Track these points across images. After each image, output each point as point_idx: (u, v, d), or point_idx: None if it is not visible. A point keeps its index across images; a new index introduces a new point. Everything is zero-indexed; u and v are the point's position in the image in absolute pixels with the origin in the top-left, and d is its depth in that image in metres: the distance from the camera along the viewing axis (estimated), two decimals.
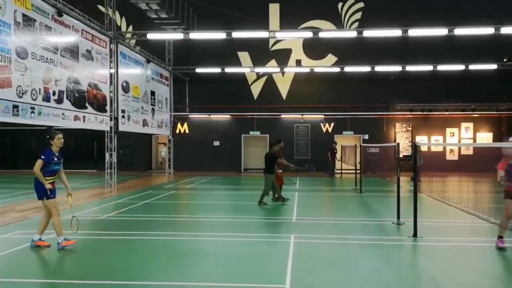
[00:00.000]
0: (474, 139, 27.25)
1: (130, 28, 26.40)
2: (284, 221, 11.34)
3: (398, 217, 10.26)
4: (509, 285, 6.28)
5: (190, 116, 28.81)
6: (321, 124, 27.93)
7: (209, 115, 28.70)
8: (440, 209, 12.41)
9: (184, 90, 28.58)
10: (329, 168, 24.21)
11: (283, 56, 27.71)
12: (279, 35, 25.42)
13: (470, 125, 27.47)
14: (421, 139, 26.84)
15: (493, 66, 24.76)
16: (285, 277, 6.36)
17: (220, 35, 20.05)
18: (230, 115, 28.48)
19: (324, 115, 27.66)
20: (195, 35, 20.70)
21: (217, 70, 26.77)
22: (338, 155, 24.58)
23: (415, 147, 9.64)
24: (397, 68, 25.12)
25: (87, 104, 16.35)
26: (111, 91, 18.46)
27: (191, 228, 10.35)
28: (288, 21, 26.36)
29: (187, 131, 28.79)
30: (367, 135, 27.24)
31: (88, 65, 16.58)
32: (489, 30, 18.43)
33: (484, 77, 25.62)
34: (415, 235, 8.87)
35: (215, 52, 26.82)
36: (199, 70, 26.98)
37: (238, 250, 8.08)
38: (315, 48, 27.14)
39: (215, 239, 9.06)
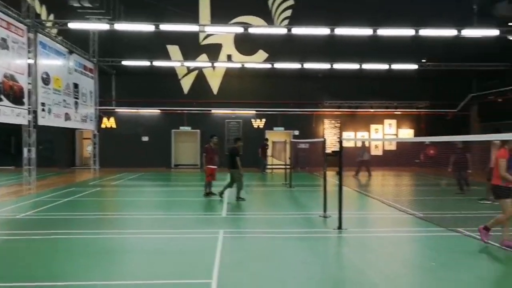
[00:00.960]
0: (397, 135, 28.58)
1: (51, 17, 24.98)
2: (213, 216, 11.24)
3: (325, 210, 10.48)
4: (427, 272, 6.58)
5: (117, 110, 27.83)
6: (253, 120, 28.04)
7: (138, 109, 27.87)
8: (365, 202, 12.88)
9: (110, 83, 27.54)
10: (259, 164, 24.42)
11: (214, 51, 27.49)
12: (210, 29, 25.16)
13: (393, 122, 28.77)
14: (348, 135, 27.74)
15: (414, 66, 26.07)
16: (212, 272, 6.26)
17: (148, 27, 19.49)
18: (160, 109, 27.84)
19: (256, 111, 27.81)
20: (121, 26, 19.96)
21: (146, 63, 26.02)
22: (269, 151, 24.84)
23: (340, 143, 9.94)
24: (326, 65, 25.76)
25: (2, 96, 15.24)
26: (29, 83, 17.33)
27: (117, 225, 9.95)
28: (219, 16, 26.19)
29: (114, 126, 27.78)
30: (297, 131, 27.74)
31: (4, 54, 15.45)
32: (409, 32, 19.33)
33: (406, 77, 26.92)
34: (340, 227, 9.10)
35: (144, 45, 26.05)
36: (126, 62, 26.08)
37: (165, 247, 7.88)
38: (246, 44, 27.18)
39: (142, 236, 8.78)
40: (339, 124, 28.21)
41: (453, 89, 27.18)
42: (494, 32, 19.03)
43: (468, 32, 18.83)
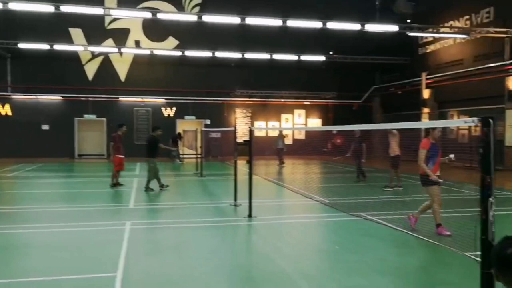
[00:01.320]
0: (306, 125, 29.46)
1: None
2: (120, 208, 10.83)
3: (236, 199, 10.48)
4: (332, 256, 6.79)
5: (12, 96, 25.72)
6: (163, 109, 27.36)
7: (36, 96, 25.95)
8: (274, 190, 13.10)
9: (5, 67, 25.36)
10: (170, 154, 23.81)
11: (121, 36, 26.31)
12: (116, 13, 24.04)
13: (303, 111, 29.61)
14: (259, 124, 28.07)
15: (322, 58, 26.95)
16: (118, 265, 5.96)
17: (48, 7, 18.09)
18: (61, 96, 26.16)
19: (166, 99, 27.14)
20: (17, 6, 18.33)
21: (45, 46, 24.15)
22: (182, 142, 24.39)
23: (250, 132, 10.03)
24: (237, 54, 25.75)
25: None
26: None
27: (15, 220, 9.18)
28: None
29: (9, 114, 25.65)
30: (209, 120, 27.52)
31: None
32: (317, 24, 19.85)
33: (315, 68, 27.77)
34: (250, 215, 9.14)
35: (43, 27, 24.19)
36: (23, 45, 24.04)
37: (67, 241, 7.39)
38: (155, 30, 26.32)
39: (43, 230, 8.16)
40: (250, 114, 28.45)
41: (358, 81, 28.51)
42: (394, 28, 20.14)
43: (371, 27, 19.74)
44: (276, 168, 20.89)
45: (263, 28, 21.83)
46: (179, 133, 25.04)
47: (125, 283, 5.34)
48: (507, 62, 18.91)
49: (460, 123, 3.25)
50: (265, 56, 25.97)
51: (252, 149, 9.80)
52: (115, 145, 13.60)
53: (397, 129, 12.76)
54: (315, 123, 29.40)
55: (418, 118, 22.79)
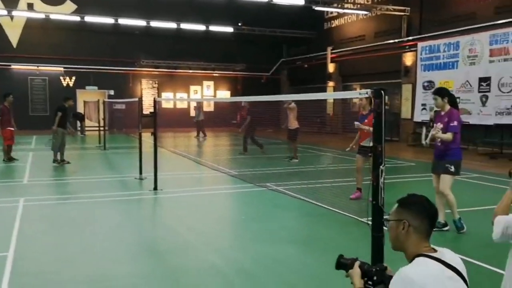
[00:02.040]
0: (215, 97, 29.24)
1: None
2: (13, 184, 10.07)
3: (141, 172, 10.16)
4: (238, 225, 6.85)
5: None
6: (61, 78, 25.59)
7: None
8: (181, 163, 12.90)
9: None
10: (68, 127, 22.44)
11: None
12: None
13: (211, 83, 29.32)
14: (166, 95, 27.38)
15: (230, 29, 26.70)
16: (9, 244, 5.52)
17: None
18: None
19: (64, 67, 25.36)
20: None
21: None
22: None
23: (155, 103, 9.76)
24: (142, 22, 24.64)
25: None
26: None
27: None
28: None
29: None
30: (113, 91, 26.25)
31: None
32: None
33: (223, 39, 27.45)
34: (156, 188, 8.92)
35: None
36: None
37: None
38: None
39: None
40: (157, 85, 27.61)
41: (266, 54, 28.70)
42: (300, 1, 20.40)
43: (278, 0, 19.87)
44: (191, 141, 20.64)
45: None
46: (82, 114, 23.69)
47: (17, 262, 4.97)
48: (404, 39, 20.05)
49: (355, 95, 3.31)
50: (171, 25, 25.15)
51: (158, 120, 9.54)
52: (5, 118, 12.49)
53: (296, 102, 13.03)
54: (224, 95, 29.31)
55: (323, 91, 23.61)
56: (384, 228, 2.25)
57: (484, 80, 16.20)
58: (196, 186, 9.82)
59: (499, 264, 2.68)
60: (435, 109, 19.14)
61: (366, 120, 7.83)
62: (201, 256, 5.36)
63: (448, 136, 5.99)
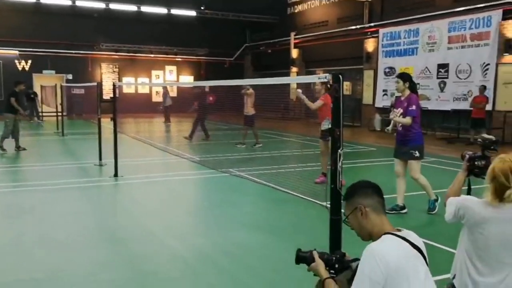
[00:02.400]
0: (178, 81, 28.81)
1: None
2: None
3: (100, 158, 9.93)
4: (200, 211, 6.80)
5: None
6: (16, 61, 24.59)
7: None
8: (143, 149, 12.68)
9: None
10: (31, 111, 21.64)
11: None
12: None
13: (174, 68, 28.87)
14: (128, 80, 26.79)
15: (193, 13, 26.28)
16: None
17: None
18: None
19: (20, 51, 24.36)
20: None
21: None
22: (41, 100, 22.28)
23: (114, 88, 9.55)
24: (101, 4, 23.90)
25: None
26: None
27: None
28: None
29: None
30: (71, 75, 25.43)
31: None
32: None
33: (186, 23, 27.00)
34: (116, 174, 8.74)
35: None
36: None
37: None
38: None
39: None
40: (117, 69, 26.95)
41: (230, 39, 28.41)
42: None
43: None
44: (153, 127, 20.31)
45: None
46: (34, 92, 22.81)
47: None
48: (366, 25, 20.27)
49: (314, 79, 3.30)
50: (131, 8, 24.51)
51: (119, 106, 9.33)
52: None
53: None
54: (187, 80, 28.92)
55: (287, 76, 23.62)
56: (347, 226, 2.31)
57: (443, 67, 16.62)
58: (158, 172, 9.68)
59: (454, 245, 2.75)
60: (396, 94, 19.54)
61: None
62: (162, 242, 5.29)
63: (407, 120, 6.10)
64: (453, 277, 2.64)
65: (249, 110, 13.13)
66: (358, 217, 2.17)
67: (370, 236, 2.13)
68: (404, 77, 6.39)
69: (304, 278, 2.30)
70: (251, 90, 13.02)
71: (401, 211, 6.29)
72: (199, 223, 6.21)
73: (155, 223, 6.05)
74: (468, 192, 2.93)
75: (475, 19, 15.45)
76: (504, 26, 14.58)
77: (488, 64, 15.04)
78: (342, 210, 2.53)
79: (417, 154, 6.17)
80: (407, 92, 6.26)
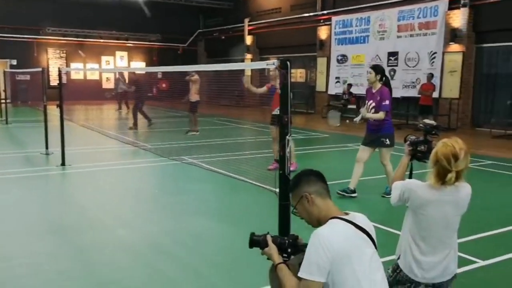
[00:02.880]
0: (129, 67, 28.05)
1: None
2: None
3: (47, 147, 9.56)
4: (151, 200, 6.68)
5: None
6: None
7: None
8: (92, 137, 12.31)
9: None
10: None
11: None
12: None
13: (125, 54, 28.09)
14: (76, 66, 25.86)
15: None
16: None
17: None
18: None
19: None
20: None
21: None
22: None
23: (60, 74, 9.21)
24: None
25: None
26: None
27: None
28: None
29: None
30: (15, 60, 24.20)
31: None
32: None
33: (137, 8, 26.20)
34: (63, 163, 8.44)
35: None
36: None
37: None
38: None
39: None
40: (65, 55, 25.93)
41: (183, 24, 27.87)
42: None
43: None
44: (103, 114, 19.72)
45: None
46: None
47: None
48: (319, 13, 20.42)
49: (262, 65, 3.26)
50: None
51: (68, 93, 9.00)
52: None
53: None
54: (139, 66, 28.24)
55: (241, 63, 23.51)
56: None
57: (393, 55, 17.03)
58: (108, 160, 9.42)
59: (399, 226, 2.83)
60: (348, 82, 19.88)
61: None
62: (111, 232, 5.17)
63: (381, 115, 6.24)
64: (398, 258, 2.71)
65: (194, 96, 12.96)
66: (305, 205, 2.20)
67: (319, 222, 2.15)
68: (377, 69, 6.43)
69: (259, 264, 2.29)
70: (196, 77, 12.86)
71: (351, 195, 6.44)
72: (150, 212, 6.10)
73: (104, 212, 5.90)
74: (410, 176, 3.01)
75: (423, 9, 15.88)
76: (450, 16, 15.07)
77: (435, 53, 15.54)
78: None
79: (387, 142, 6.32)
80: (379, 85, 6.35)
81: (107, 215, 5.76)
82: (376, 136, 6.38)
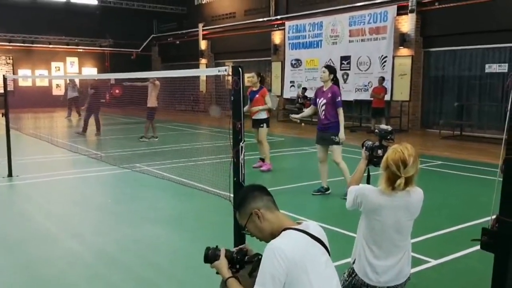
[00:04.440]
0: (80, 74, 27.28)
1: None
2: None
3: None
4: (102, 209, 6.47)
5: None
6: None
7: None
8: (41, 146, 11.83)
9: None
10: None
11: None
12: None
13: (76, 59, 27.31)
14: (24, 73, 24.91)
15: (94, 1, 24.96)
16: None
17: None
18: None
19: None
20: None
21: None
22: None
23: (5, 81, 8.84)
24: None
25: None
26: None
27: None
28: None
29: None
30: None
31: None
32: None
33: (87, 12, 25.54)
34: (10, 174, 8.07)
35: None
36: None
37: None
38: None
39: None
40: (11, 61, 24.92)
41: (136, 29, 27.35)
42: None
43: None
44: (53, 122, 19.03)
45: None
46: None
47: None
48: (273, 18, 20.58)
49: (214, 72, 3.22)
50: None
51: (15, 100, 8.64)
52: None
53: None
54: (91, 72, 27.51)
55: (196, 68, 23.36)
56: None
57: (345, 59, 17.37)
58: (58, 170, 9.07)
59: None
60: (303, 86, 20.11)
61: (257, 95, 8.54)
62: (60, 244, 4.96)
63: (340, 111, 6.50)
64: (353, 262, 2.72)
65: (152, 102, 12.74)
66: (256, 222, 2.13)
67: (272, 236, 2.10)
68: (331, 69, 6.73)
69: (213, 274, 2.24)
70: (157, 82, 12.68)
71: (325, 192, 6.75)
72: (100, 221, 5.90)
73: (53, 223, 5.67)
74: (368, 181, 3.04)
75: (373, 14, 16.31)
76: (399, 21, 15.54)
77: (386, 57, 15.98)
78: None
79: (337, 139, 6.50)
80: (330, 83, 6.61)
81: (56, 227, 5.53)
82: (326, 134, 6.60)
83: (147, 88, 12.74)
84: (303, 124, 16.35)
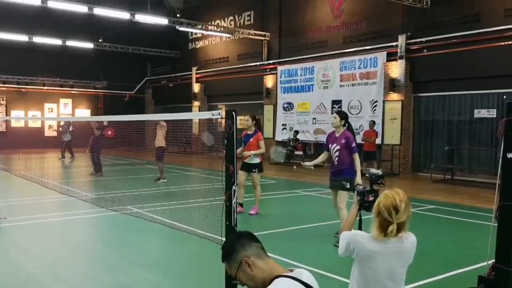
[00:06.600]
0: (73, 115, 27.39)
1: None
2: None
3: None
4: (92, 253, 6.34)
5: None
6: None
7: None
8: (31, 187, 11.72)
9: None
10: None
11: None
12: None
13: (69, 101, 27.46)
14: (17, 114, 24.95)
15: (90, 45, 25.36)
16: None
17: None
18: None
19: None
20: None
21: None
22: None
23: None
24: None
25: None
26: None
27: None
28: None
29: None
30: None
31: None
32: (83, 9, 18.45)
33: (82, 55, 25.93)
34: None
35: None
36: None
37: None
38: None
39: None
40: (5, 102, 25.00)
41: (130, 72, 27.75)
42: (164, 21, 20.25)
43: (140, 18, 19.36)
44: (45, 163, 18.91)
45: (17, 5, 19.19)
46: None
47: None
48: (265, 62, 20.99)
49: (208, 115, 3.26)
50: (22, 37, 23.04)
51: (7, 141, 8.56)
52: None
53: (164, 121, 12.84)
54: (84, 113, 27.61)
55: (189, 111, 23.58)
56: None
57: (336, 103, 17.62)
58: (47, 212, 8.94)
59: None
60: (294, 129, 20.21)
61: (251, 139, 8.46)
62: None
63: (356, 157, 6.49)
64: None
65: (161, 142, 12.83)
66: (246, 270, 2.05)
67: (264, 284, 2.04)
68: (342, 114, 6.72)
69: None
70: (163, 123, 12.81)
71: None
72: (89, 266, 5.76)
73: (40, 268, 5.53)
74: (359, 226, 3.01)
75: (363, 60, 16.70)
76: (389, 67, 15.91)
77: (376, 101, 16.24)
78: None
79: (348, 185, 6.45)
80: (342, 129, 6.60)
81: (44, 272, 5.40)
82: (338, 179, 6.57)
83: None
84: (295, 167, 16.39)
